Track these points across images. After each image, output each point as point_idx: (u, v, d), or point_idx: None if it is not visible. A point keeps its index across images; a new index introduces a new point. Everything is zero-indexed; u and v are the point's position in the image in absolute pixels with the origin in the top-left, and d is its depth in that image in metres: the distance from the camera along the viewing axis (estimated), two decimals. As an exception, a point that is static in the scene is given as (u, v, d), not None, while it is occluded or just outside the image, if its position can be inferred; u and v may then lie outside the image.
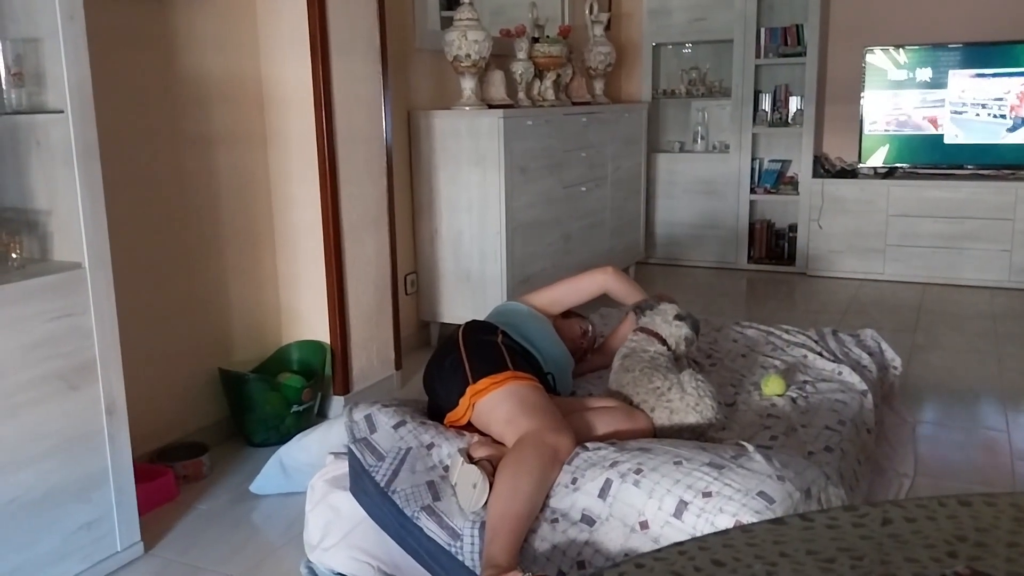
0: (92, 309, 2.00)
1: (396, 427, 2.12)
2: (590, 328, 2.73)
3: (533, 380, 2.14)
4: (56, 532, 1.96)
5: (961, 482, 2.55)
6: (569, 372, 2.50)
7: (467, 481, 1.88)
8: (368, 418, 2.15)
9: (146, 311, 2.63)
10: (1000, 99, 5.03)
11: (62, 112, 1.91)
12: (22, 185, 2.01)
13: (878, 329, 3.38)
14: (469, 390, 2.11)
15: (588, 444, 2.01)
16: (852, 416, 2.40)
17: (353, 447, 2.07)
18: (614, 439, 2.08)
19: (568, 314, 2.73)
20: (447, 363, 2.21)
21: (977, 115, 5.10)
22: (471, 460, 1.93)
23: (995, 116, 5.06)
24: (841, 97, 5.51)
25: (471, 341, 2.24)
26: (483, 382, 2.10)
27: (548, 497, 1.88)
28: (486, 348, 2.22)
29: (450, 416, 2.17)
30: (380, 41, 3.15)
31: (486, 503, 1.85)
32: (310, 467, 2.32)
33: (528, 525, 1.81)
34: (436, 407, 2.25)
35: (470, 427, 2.15)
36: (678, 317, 2.42)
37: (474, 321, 2.40)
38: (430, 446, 2.07)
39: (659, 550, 0.66)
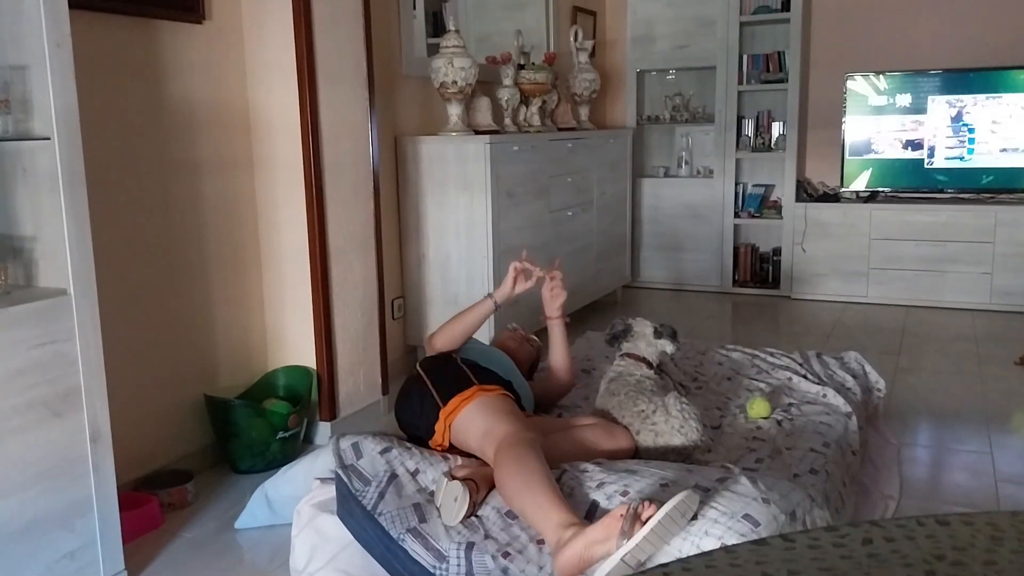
0: (77, 336, 1.99)
1: (382, 453, 2.12)
2: (513, 324, 2.83)
3: (499, 389, 2.20)
4: (39, 561, 1.94)
5: (945, 504, 2.57)
6: (522, 378, 2.53)
7: (449, 496, 1.91)
8: (355, 446, 2.16)
9: (131, 337, 2.62)
10: (980, 124, 5.11)
11: (48, 139, 1.91)
12: (7, 212, 2.01)
13: (862, 351, 3.40)
14: (442, 413, 2.16)
15: (577, 464, 2.02)
16: (837, 438, 2.41)
17: (340, 472, 2.07)
18: (596, 455, 2.11)
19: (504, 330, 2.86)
20: (415, 395, 2.27)
21: (957, 140, 5.17)
22: (453, 479, 1.95)
23: (975, 141, 5.13)
24: (823, 122, 5.58)
25: (431, 368, 2.31)
26: (453, 402, 2.15)
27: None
28: (448, 370, 2.28)
29: (430, 444, 2.21)
30: (367, 68, 3.17)
31: (467, 515, 1.89)
32: (296, 500, 2.31)
33: (556, 487, 1.84)
34: (417, 439, 2.26)
35: (453, 450, 2.18)
36: (656, 335, 2.48)
37: (427, 356, 2.45)
38: (415, 472, 2.08)
39: (643, 572, 0.66)
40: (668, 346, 2.45)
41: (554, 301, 2.57)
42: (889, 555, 0.66)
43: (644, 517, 1.65)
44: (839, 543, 0.69)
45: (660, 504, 1.67)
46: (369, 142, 3.22)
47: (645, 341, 2.47)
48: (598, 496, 1.86)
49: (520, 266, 2.46)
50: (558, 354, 2.64)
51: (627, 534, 1.63)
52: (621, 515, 1.64)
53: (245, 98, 3.00)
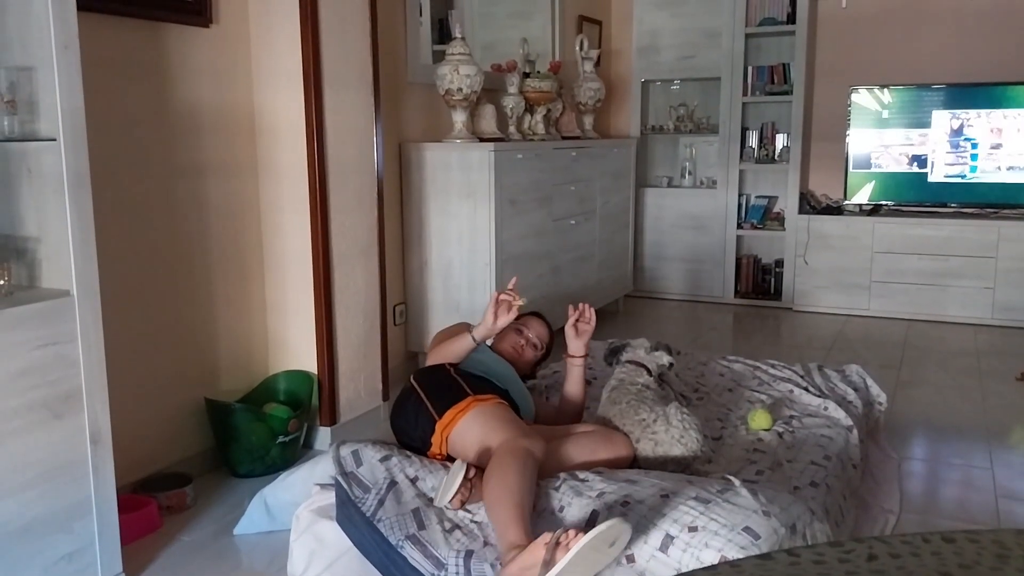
0: (79, 337, 1.99)
1: (382, 460, 2.12)
2: (524, 330, 2.65)
3: (494, 398, 2.21)
4: (37, 562, 1.94)
5: (946, 519, 2.56)
6: (521, 384, 2.47)
7: (452, 477, 1.94)
8: (355, 453, 2.16)
9: (133, 340, 2.61)
10: (982, 139, 5.11)
11: (54, 140, 1.91)
12: (12, 212, 2.01)
13: (863, 365, 3.40)
14: (438, 426, 2.17)
15: (577, 472, 2.02)
16: (838, 451, 2.41)
17: (340, 479, 2.07)
18: (594, 463, 2.10)
19: (505, 331, 2.60)
20: (409, 408, 2.27)
21: (960, 154, 5.17)
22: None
23: (977, 155, 5.14)
24: (827, 135, 5.59)
25: (425, 380, 2.30)
26: (448, 414, 2.16)
27: (535, 523, 1.88)
28: (441, 382, 2.28)
29: (428, 455, 2.22)
30: (373, 74, 3.18)
31: (459, 494, 1.91)
32: (295, 507, 2.30)
33: (528, 509, 1.83)
34: (414, 450, 2.26)
35: (451, 460, 2.18)
36: (655, 348, 2.52)
37: (421, 367, 2.43)
38: (415, 480, 2.08)
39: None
40: (664, 358, 2.48)
41: (580, 338, 2.40)
42: (894, 571, 0.66)
43: (569, 546, 1.62)
44: (844, 559, 0.68)
45: (586, 533, 1.63)
46: (374, 148, 3.22)
47: (644, 350, 2.52)
48: (597, 505, 1.86)
49: (502, 297, 2.31)
50: (574, 397, 2.49)
51: (548, 564, 1.61)
52: (545, 543, 1.63)
53: (251, 102, 3.00)
